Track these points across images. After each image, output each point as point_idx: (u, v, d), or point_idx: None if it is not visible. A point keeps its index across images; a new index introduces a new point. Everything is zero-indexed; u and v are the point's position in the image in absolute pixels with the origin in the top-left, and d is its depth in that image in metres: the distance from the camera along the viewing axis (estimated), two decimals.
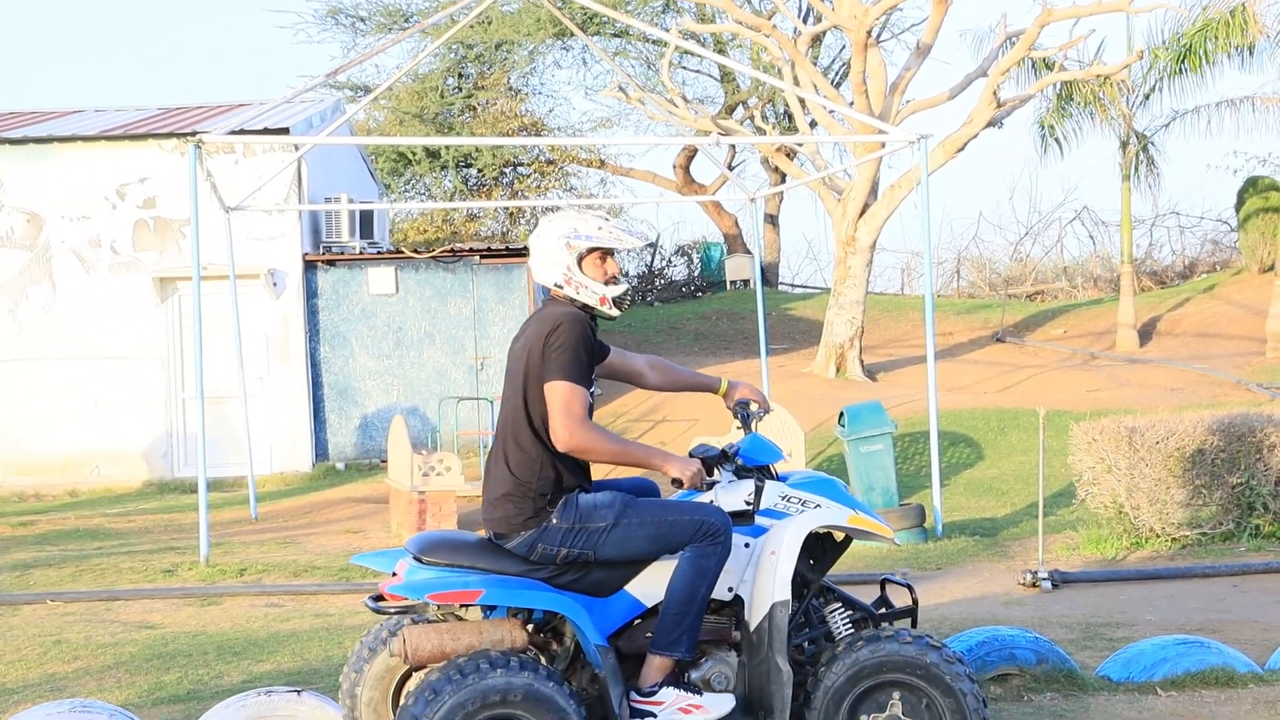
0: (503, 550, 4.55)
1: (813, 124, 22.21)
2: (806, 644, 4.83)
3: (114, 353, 17.02)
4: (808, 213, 63.04)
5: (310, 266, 17.41)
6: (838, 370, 19.51)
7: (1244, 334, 21.27)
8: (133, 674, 6.77)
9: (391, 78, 19.45)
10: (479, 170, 28.19)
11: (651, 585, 4.56)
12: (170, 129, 17.45)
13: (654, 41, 26.96)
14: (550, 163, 28.84)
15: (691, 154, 29.60)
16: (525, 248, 16.19)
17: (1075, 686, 5.95)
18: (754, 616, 4.57)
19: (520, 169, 29.03)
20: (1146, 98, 21.89)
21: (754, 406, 5.03)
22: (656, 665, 4.51)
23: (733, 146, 28.19)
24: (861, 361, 19.70)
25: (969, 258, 31.52)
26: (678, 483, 4.60)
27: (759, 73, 17.81)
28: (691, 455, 4.79)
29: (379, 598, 4.64)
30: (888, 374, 20.08)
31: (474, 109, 28.23)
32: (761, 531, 4.68)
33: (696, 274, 30.11)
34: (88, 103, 23.92)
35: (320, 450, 17.33)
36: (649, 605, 4.57)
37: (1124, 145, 22.32)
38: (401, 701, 4.49)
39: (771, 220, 30.80)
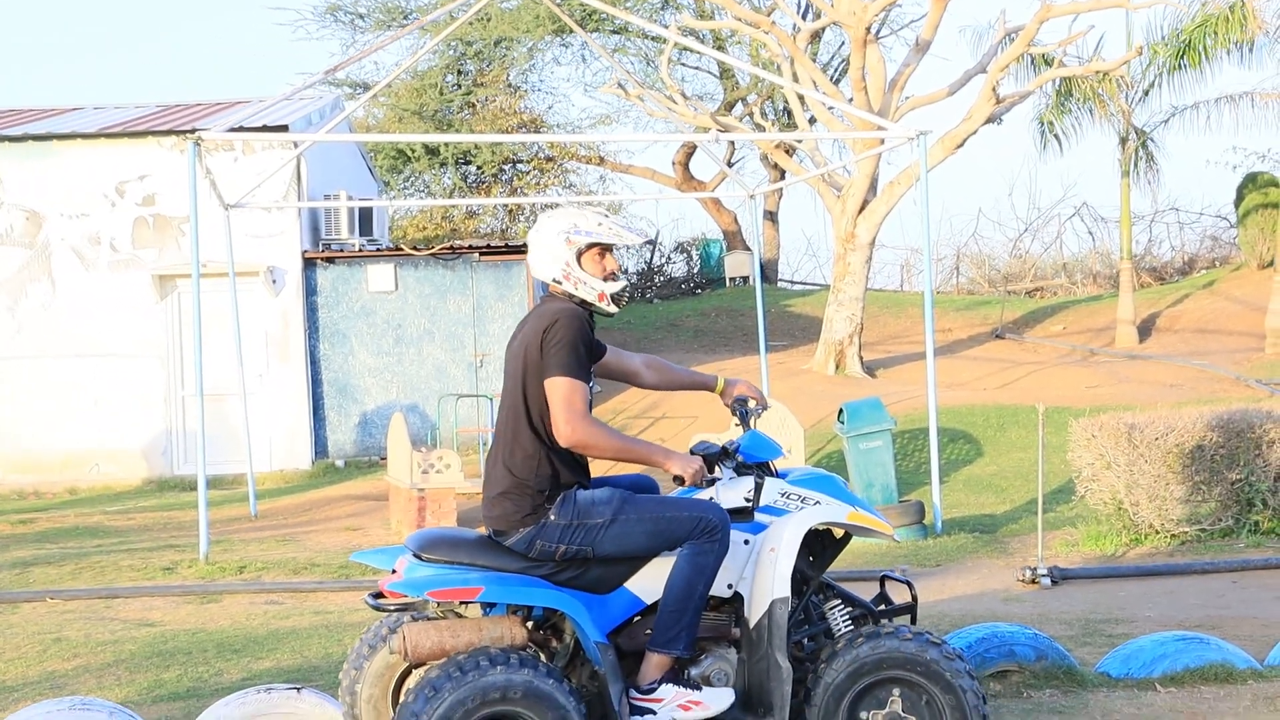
0: (502, 547, 4.55)
1: (812, 120, 22.19)
2: (806, 641, 4.83)
3: (113, 350, 17.03)
4: (807, 209, 63.12)
5: (310, 264, 17.41)
6: (837, 367, 19.51)
7: (1243, 330, 21.27)
8: (132, 671, 6.78)
9: (391, 75, 19.44)
10: (478, 167, 28.19)
11: (651, 582, 4.56)
12: (169, 126, 17.43)
13: (653, 38, 26.92)
14: (549, 159, 28.83)
15: (691, 151, 29.57)
16: (524, 244, 16.18)
17: (1074, 683, 5.96)
18: (754, 613, 4.57)
19: (519, 166, 29.03)
20: (1146, 94, 21.88)
21: (752, 403, 5.03)
22: (656, 662, 4.51)
23: (732, 143, 28.15)
24: (861, 358, 19.70)
25: (968, 254, 31.49)
26: (679, 480, 4.60)
27: (758, 69, 17.84)
28: (692, 452, 4.78)
29: (379, 595, 4.64)
30: (887, 370, 20.07)
31: (473, 106, 28.22)
32: (761, 528, 4.67)
33: (696, 271, 30.07)
34: (88, 101, 23.89)
35: (320, 448, 17.33)
36: (648, 602, 4.57)
37: (1123, 141, 22.31)
38: (401, 699, 4.50)
39: (771, 217, 30.75)
